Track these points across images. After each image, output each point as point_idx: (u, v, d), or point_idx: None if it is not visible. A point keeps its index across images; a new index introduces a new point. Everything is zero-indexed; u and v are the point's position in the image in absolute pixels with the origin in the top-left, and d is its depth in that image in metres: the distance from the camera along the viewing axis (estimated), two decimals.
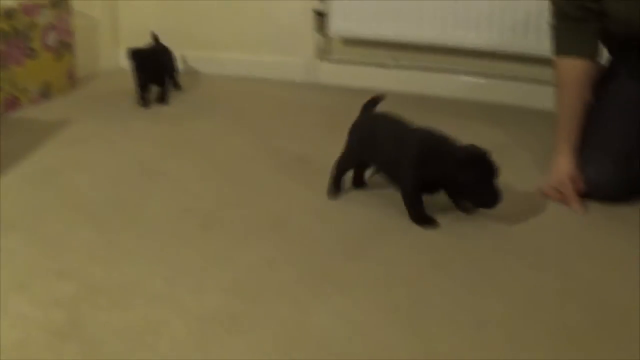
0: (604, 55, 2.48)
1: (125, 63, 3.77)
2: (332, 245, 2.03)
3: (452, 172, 2.08)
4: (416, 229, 2.15)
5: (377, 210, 2.27)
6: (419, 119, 3.04)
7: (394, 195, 2.27)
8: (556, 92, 2.46)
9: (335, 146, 2.61)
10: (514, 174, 2.50)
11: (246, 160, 2.66)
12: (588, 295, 1.83)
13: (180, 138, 2.85)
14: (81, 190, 2.36)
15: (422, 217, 2.17)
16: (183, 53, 3.93)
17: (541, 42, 3.15)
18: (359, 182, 2.42)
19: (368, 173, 2.40)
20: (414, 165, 2.13)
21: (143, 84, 3.28)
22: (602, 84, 2.48)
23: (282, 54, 3.87)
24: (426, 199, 2.17)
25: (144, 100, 3.29)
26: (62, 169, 2.53)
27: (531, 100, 3.36)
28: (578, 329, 1.67)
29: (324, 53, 3.83)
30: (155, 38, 3.53)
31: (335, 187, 2.36)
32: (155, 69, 3.35)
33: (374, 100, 2.39)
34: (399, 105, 3.34)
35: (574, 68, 2.38)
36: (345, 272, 1.89)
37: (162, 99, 3.37)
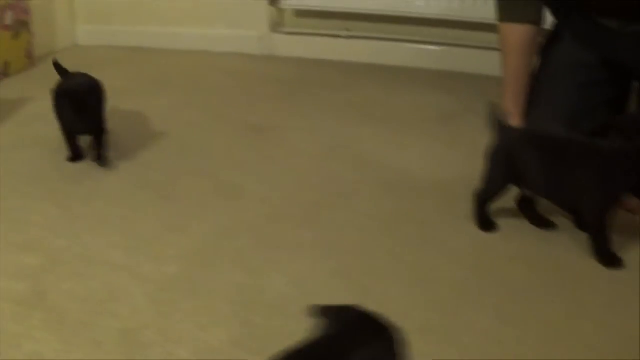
0: (548, 19, 2.53)
1: (82, 40, 3.81)
2: (286, 213, 2.10)
3: None
4: (363, 195, 2.23)
5: (330, 180, 2.35)
6: (373, 88, 3.11)
7: (349, 164, 2.34)
8: (501, 57, 2.47)
9: (289, 116, 2.68)
10: (466, 141, 2.60)
11: (202, 131, 2.71)
12: (535, 255, 1.93)
13: (137, 113, 2.88)
14: (41, 166, 2.40)
15: (612, 255, 1.92)
16: (138, 29, 3.96)
17: (489, 9, 3.22)
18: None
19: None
20: (612, 177, 1.89)
21: (71, 134, 2.43)
22: (547, 48, 2.54)
23: (237, 27, 3.90)
24: None
25: (74, 154, 2.44)
26: (21, 146, 2.56)
27: (483, 66, 3.43)
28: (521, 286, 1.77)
29: (277, 25, 3.87)
30: (62, 69, 2.61)
31: (486, 222, 2.08)
32: (89, 112, 2.37)
33: None
34: (353, 75, 3.43)
35: (518, 33, 2.40)
36: (299, 239, 1.97)
37: (101, 156, 2.41)
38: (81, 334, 1.55)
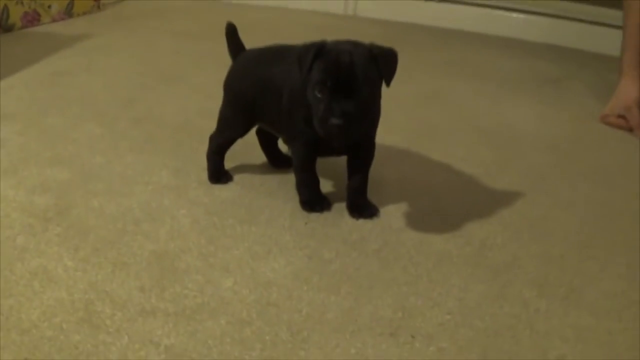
0: None
1: None
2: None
3: None
4: (458, 141, 1.94)
5: (420, 124, 2.05)
6: (468, 51, 2.83)
7: (444, 112, 2.04)
8: (624, 13, 2.28)
9: None
10: (568, 103, 2.36)
11: None
12: None
13: (206, 52, 2.61)
14: (92, 91, 2.14)
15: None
16: None
17: None
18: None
19: None
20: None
21: None
22: None
23: None
24: None
25: None
26: (75, 72, 2.31)
27: (586, 43, 3.13)
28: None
29: None
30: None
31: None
32: None
33: None
34: (446, 39, 3.17)
35: None
36: (382, 178, 1.66)
37: None
38: (103, 253, 1.27)
